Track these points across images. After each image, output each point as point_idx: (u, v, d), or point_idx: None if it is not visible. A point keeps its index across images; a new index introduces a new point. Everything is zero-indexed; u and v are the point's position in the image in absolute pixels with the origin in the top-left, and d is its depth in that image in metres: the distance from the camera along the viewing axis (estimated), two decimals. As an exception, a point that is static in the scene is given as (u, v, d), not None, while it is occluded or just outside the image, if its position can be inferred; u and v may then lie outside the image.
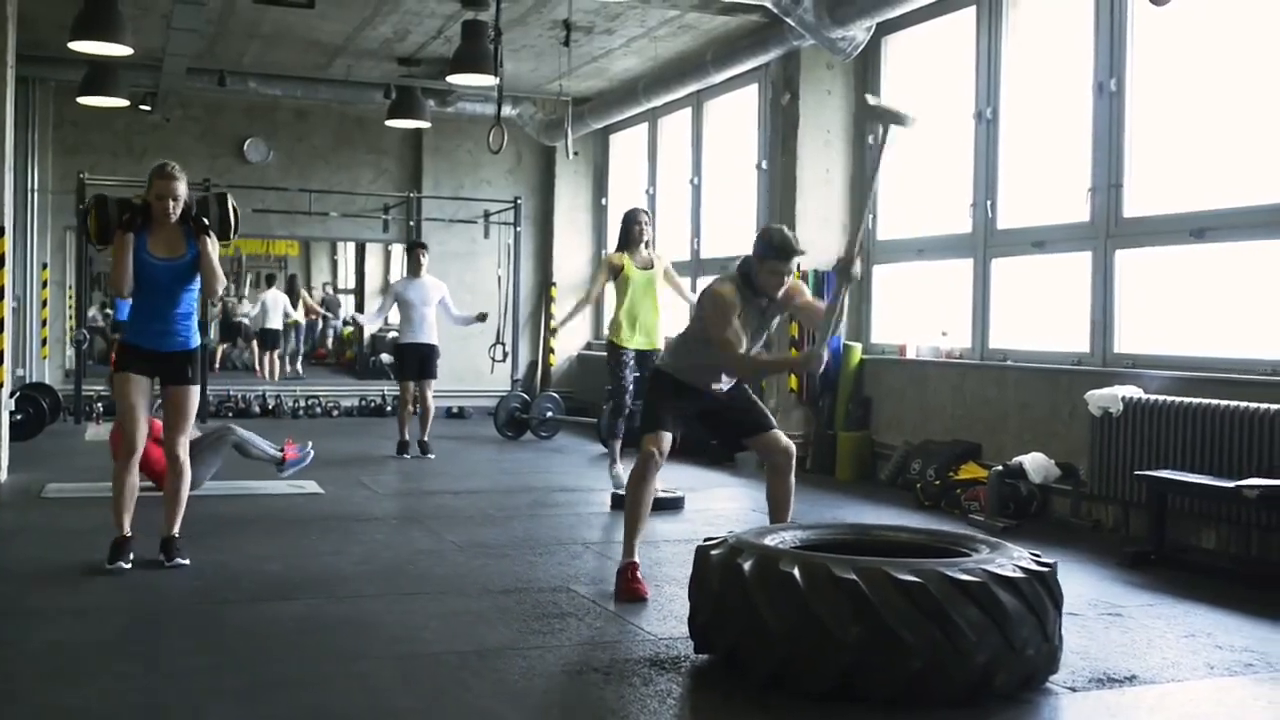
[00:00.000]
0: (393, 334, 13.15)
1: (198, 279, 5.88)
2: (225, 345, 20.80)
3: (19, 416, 10.59)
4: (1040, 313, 8.53)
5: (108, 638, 4.64)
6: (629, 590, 5.39)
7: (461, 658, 4.40)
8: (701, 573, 4.41)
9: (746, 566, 4.14)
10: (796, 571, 4.01)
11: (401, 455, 10.46)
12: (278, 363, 18.43)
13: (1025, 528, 7.37)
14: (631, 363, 8.48)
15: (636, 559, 5.51)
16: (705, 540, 4.57)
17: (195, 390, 6.00)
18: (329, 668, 4.23)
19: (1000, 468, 7.66)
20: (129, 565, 5.69)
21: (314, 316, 21.13)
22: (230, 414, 13.42)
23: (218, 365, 20.13)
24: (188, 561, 5.85)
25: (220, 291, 5.97)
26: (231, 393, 14.12)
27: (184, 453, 5.94)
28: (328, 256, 24.26)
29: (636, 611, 5.16)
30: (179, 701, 3.89)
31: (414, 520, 7.36)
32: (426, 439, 10.61)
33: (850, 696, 3.88)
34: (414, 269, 10.76)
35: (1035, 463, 7.57)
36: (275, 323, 18.44)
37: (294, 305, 19.64)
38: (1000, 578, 4.00)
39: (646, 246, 8.62)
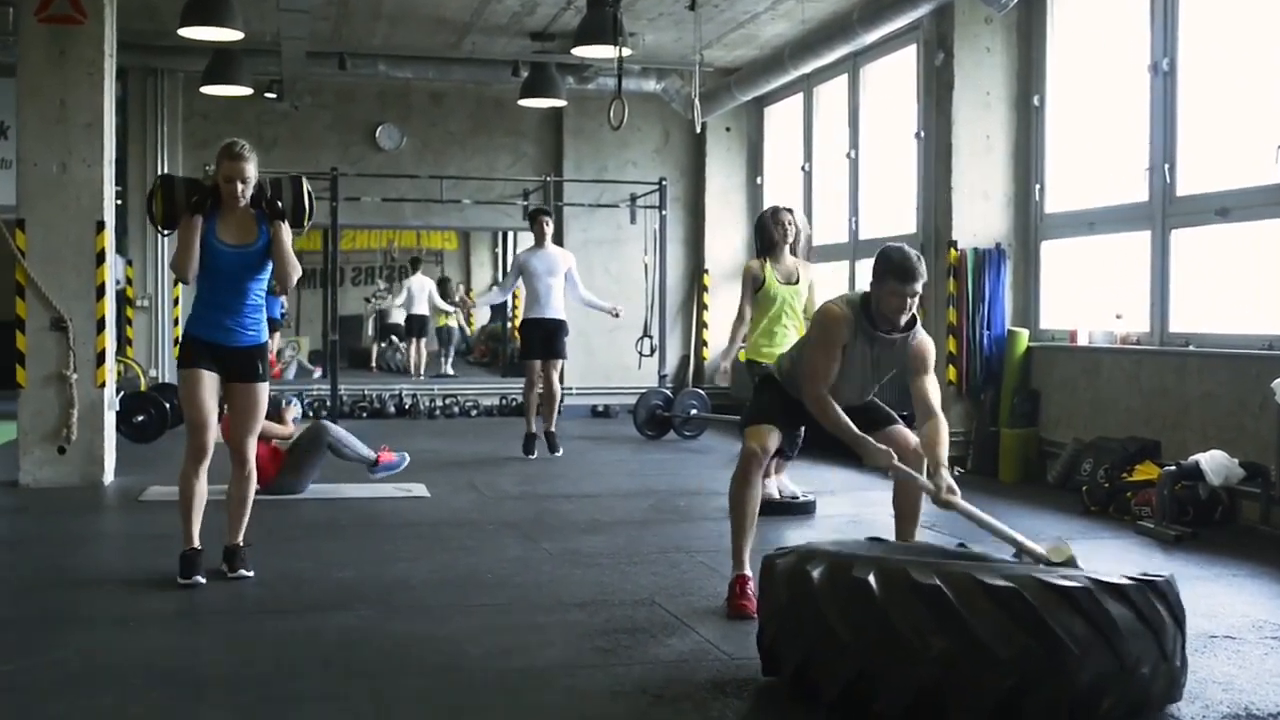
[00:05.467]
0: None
1: (268, 269, 5.74)
2: (381, 344, 21.24)
3: (140, 418, 10.95)
4: (1227, 291, 8.00)
5: (140, 647, 4.67)
6: (736, 607, 5.18)
7: (501, 677, 4.28)
8: (768, 584, 4.20)
9: (816, 574, 3.91)
10: (872, 578, 3.76)
11: (528, 454, 10.32)
12: (424, 352, 18.65)
13: (1203, 536, 6.87)
14: None
15: (747, 571, 5.27)
16: (776, 550, 4.34)
17: (265, 388, 5.84)
18: (351, 684, 4.16)
19: (1173, 468, 7.16)
20: (204, 580, 5.59)
21: (470, 309, 21.34)
22: (364, 414, 13.64)
23: (373, 364, 20.62)
24: (252, 573, 5.72)
25: (294, 282, 5.81)
26: (366, 392, 14.33)
27: (252, 456, 5.83)
28: (488, 249, 24.43)
29: (720, 629, 4.95)
30: (176, 716, 3.87)
31: (513, 526, 7.28)
32: (553, 430, 10.44)
33: (933, 718, 3.62)
34: (538, 238, 10.50)
35: (1214, 462, 7.05)
36: (421, 308, 18.63)
37: (445, 301, 19.84)
38: (1107, 585, 3.69)
39: (792, 251, 7.96)
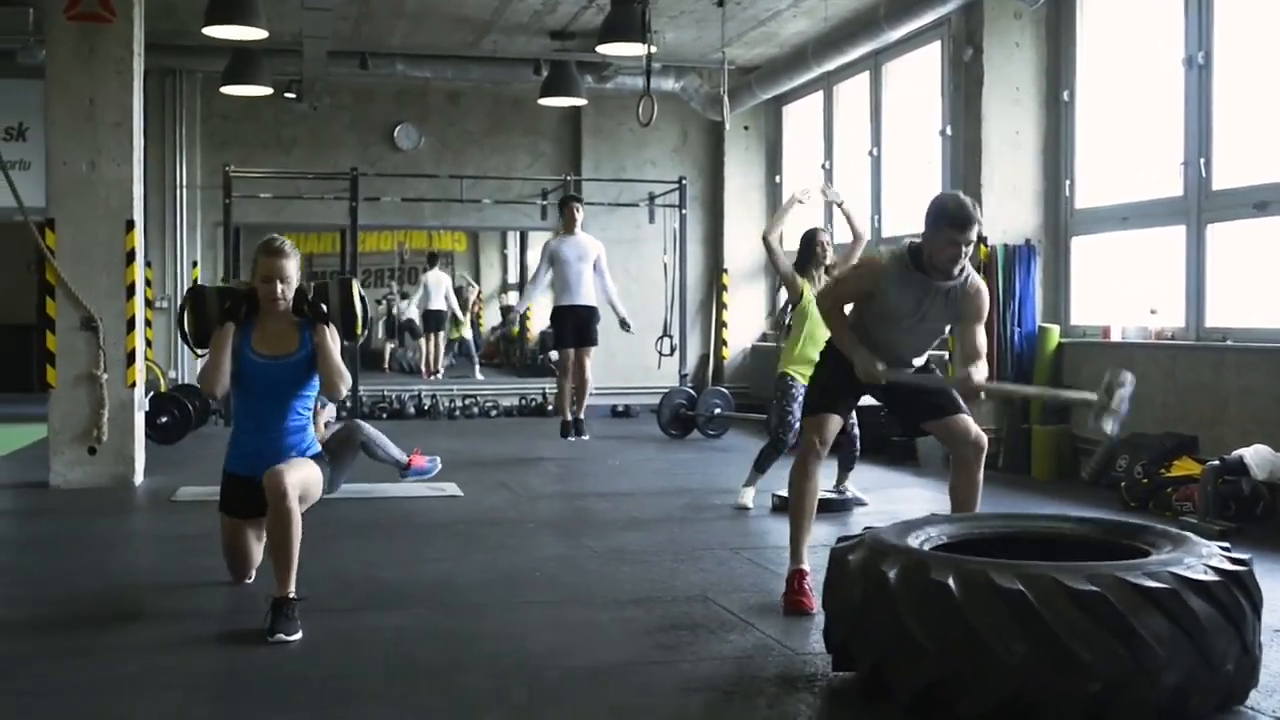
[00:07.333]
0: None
1: (312, 384, 5.15)
2: (392, 344, 21.16)
3: (164, 419, 10.88)
4: (1265, 284, 7.91)
5: (195, 648, 4.59)
6: (793, 602, 5.10)
7: (567, 674, 4.22)
8: (838, 580, 4.10)
9: (892, 574, 3.81)
10: (951, 580, 3.67)
11: (566, 436, 10.39)
12: (442, 346, 18.56)
13: (1248, 531, 6.80)
14: (801, 396, 7.92)
15: (805, 565, 5.19)
16: (839, 541, 4.26)
17: (306, 461, 5.13)
18: (418, 682, 4.09)
19: (1216, 462, 7.10)
20: (250, 580, 5.48)
21: (479, 310, 21.31)
22: (384, 415, 13.56)
23: (386, 365, 20.55)
24: (297, 637, 4.58)
25: (345, 392, 5.21)
26: (386, 393, 14.27)
27: (290, 493, 4.80)
28: (497, 250, 24.38)
29: (778, 624, 4.89)
30: (253, 717, 3.80)
31: (551, 524, 7.23)
32: (581, 416, 10.45)
33: (1017, 723, 3.53)
34: (568, 225, 10.40)
35: (1258, 456, 7.00)
36: (438, 303, 18.49)
37: (462, 310, 19.73)
38: (1191, 581, 3.61)
39: (828, 272, 7.84)
